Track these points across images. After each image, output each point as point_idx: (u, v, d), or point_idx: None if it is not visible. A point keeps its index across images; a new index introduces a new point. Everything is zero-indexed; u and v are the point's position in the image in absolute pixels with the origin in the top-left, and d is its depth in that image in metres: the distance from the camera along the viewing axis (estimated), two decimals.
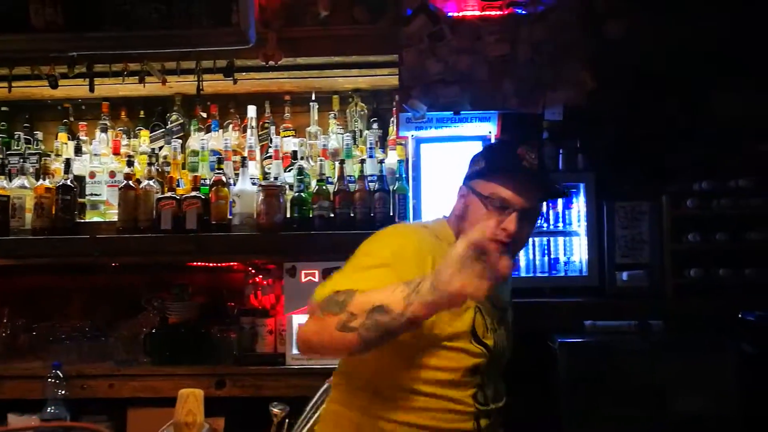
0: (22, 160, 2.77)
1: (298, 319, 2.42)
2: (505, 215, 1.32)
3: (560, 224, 2.83)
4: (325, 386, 1.16)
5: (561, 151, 2.80)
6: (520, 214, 1.32)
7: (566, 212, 2.83)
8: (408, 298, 1.05)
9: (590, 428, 2.35)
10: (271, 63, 2.58)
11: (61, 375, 2.35)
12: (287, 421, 0.97)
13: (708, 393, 2.31)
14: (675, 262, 2.63)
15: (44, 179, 2.61)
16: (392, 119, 2.85)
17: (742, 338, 2.40)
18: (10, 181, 2.71)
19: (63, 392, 2.33)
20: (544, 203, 1.81)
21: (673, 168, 2.72)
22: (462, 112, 2.65)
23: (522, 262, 2.80)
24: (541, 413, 2.63)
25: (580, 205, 2.79)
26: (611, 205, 2.71)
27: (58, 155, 2.81)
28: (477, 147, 2.67)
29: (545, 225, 2.81)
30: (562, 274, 2.81)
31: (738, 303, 2.51)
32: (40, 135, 2.95)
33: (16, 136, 2.93)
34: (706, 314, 2.55)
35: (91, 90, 2.66)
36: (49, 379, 2.33)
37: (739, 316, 2.47)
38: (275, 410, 1.00)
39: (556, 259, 2.82)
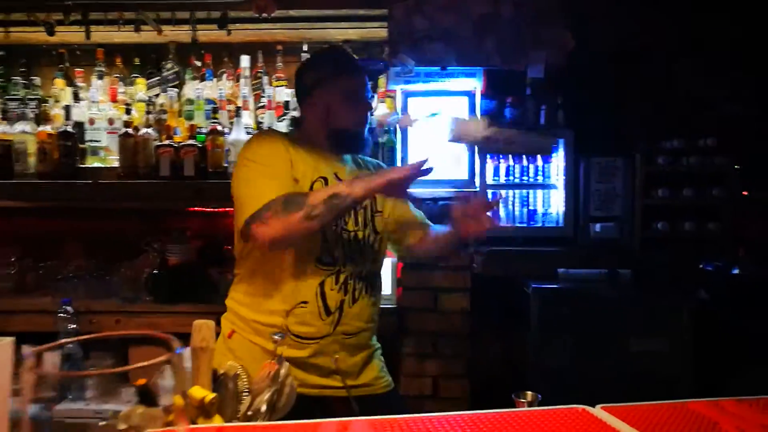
0: (22, 106, 2.84)
1: None
2: (358, 101, 1.72)
3: (540, 177, 2.98)
4: None
5: (543, 108, 2.91)
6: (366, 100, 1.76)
7: (546, 166, 2.98)
8: (350, 186, 1.48)
9: (557, 366, 2.57)
10: (264, 15, 2.65)
11: (70, 310, 2.52)
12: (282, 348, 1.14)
13: (666, 335, 2.54)
14: (645, 216, 2.81)
15: (45, 125, 2.70)
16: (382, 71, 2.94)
17: (700, 286, 2.61)
18: (12, 126, 2.79)
19: (74, 326, 2.51)
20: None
21: (647, 126, 2.86)
22: (448, 68, 2.75)
23: (502, 213, 2.97)
24: (515, 353, 2.87)
25: (559, 159, 2.93)
26: (588, 160, 2.86)
27: (56, 101, 2.88)
28: (463, 102, 2.81)
29: (525, 178, 2.96)
30: (540, 224, 2.98)
31: (700, 254, 2.71)
32: (37, 80, 2.99)
33: (13, 81, 2.99)
34: (670, 264, 2.75)
35: (87, 38, 2.72)
36: (60, 314, 2.50)
37: (700, 266, 2.67)
38: (276, 337, 1.17)
39: (534, 211, 2.99)
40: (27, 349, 0.55)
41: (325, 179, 1.66)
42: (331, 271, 1.62)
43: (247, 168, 1.62)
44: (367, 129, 1.80)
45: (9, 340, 0.76)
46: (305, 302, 1.59)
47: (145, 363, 0.49)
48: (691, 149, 2.78)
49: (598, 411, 0.93)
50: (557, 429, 0.86)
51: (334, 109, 1.70)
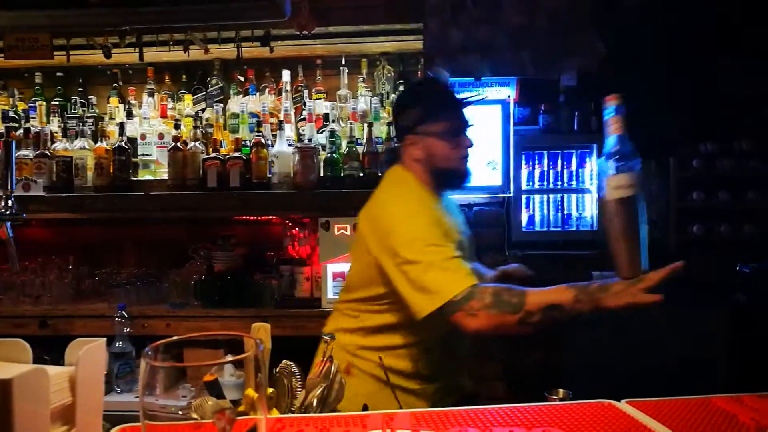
0: (81, 124, 3.04)
1: (333, 268, 2.71)
2: (461, 137, 1.67)
3: (573, 182, 3.03)
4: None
5: (576, 114, 2.97)
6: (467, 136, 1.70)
7: (580, 171, 3.03)
8: (577, 297, 1.43)
9: (591, 369, 2.61)
10: (305, 32, 2.78)
11: (125, 315, 2.69)
12: (332, 348, 1.24)
13: (702, 337, 2.56)
14: (679, 219, 2.83)
15: (102, 141, 2.88)
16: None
17: (737, 289, 2.62)
18: (71, 142, 2.99)
19: (128, 329, 2.67)
20: None
21: (681, 131, 2.88)
22: (482, 78, 2.83)
23: (537, 218, 3.03)
24: (550, 355, 2.92)
25: (592, 164, 2.98)
26: None
27: (111, 118, 3.07)
28: (497, 110, 2.88)
29: (559, 183, 3.02)
30: (574, 228, 3.03)
31: (736, 257, 2.72)
32: (94, 99, 3.19)
33: (72, 101, 3.19)
34: (706, 267, 2.76)
35: (141, 59, 2.89)
36: (117, 318, 2.67)
37: (737, 268, 2.68)
38: (327, 338, 1.28)
39: (569, 215, 3.04)
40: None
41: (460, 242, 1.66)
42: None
43: (414, 233, 1.56)
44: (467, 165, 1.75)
45: (102, 340, 0.89)
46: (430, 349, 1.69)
47: (237, 357, 0.59)
48: (726, 152, 2.80)
49: (623, 405, 1.01)
50: (583, 421, 0.94)
51: (438, 147, 1.66)
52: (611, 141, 1.46)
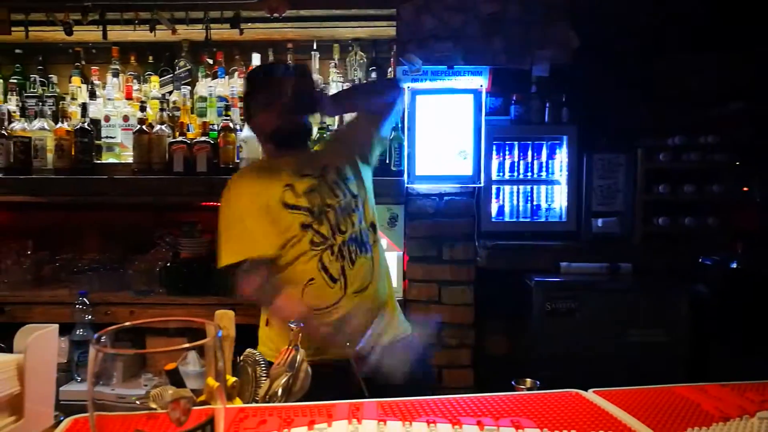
0: (40, 103, 2.92)
1: None
2: (272, 110, 1.89)
3: (543, 173, 3.05)
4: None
5: (547, 105, 2.98)
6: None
7: (550, 162, 3.04)
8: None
9: (559, 357, 2.65)
10: (276, 15, 2.72)
11: (87, 302, 2.61)
12: (300, 336, 1.21)
13: (664, 326, 2.61)
14: (645, 211, 2.87)
15: (63, 122, 2.78)
16: (390, 69, 3.01)
17: (699, 280, 2.68)
18: (30, 123, 2.88)
19: (90, 317, 2.60)
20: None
21: (649, 124, 2.92)
22: (455, 67, 2.81)
23: (506, 208, 3.04)
24: (518, 344, 2.95)
25: (562, 155, 3.00)
26: (591, 156, 2.92)
27: (73, 98, 2.96)
28: (469, 99, 2.88)
29: (529, 174, 3.03)
30: (543, 219, 3.05)
31: (699, 249, 2.77)
32: (54, 78, 3.08)
33: (31, 79, 3.07)
34: (670, 259, 2.82)
35: (104, 37, 2.79)
36: (77, 306, 2.60)
37: (699, 260, 2.74)
38: (292, 326, 1.25)
39: (538, 206, 3.06)
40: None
41: (291, 185, 1.84)
42: (324, 247, 1.80)
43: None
44: (303, 121, 1.98)
45: (54, 327, 0.84)
46: (312, 279, 1.79)
47: (194, 344, 0.56)
48: (692, 146, 2.84)
49: (590, 395, 1.01)
50: (551, 410, 0.94)
51: (261, 122, 1.95)
52: None
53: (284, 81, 1.92)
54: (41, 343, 0.82)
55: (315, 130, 2.18)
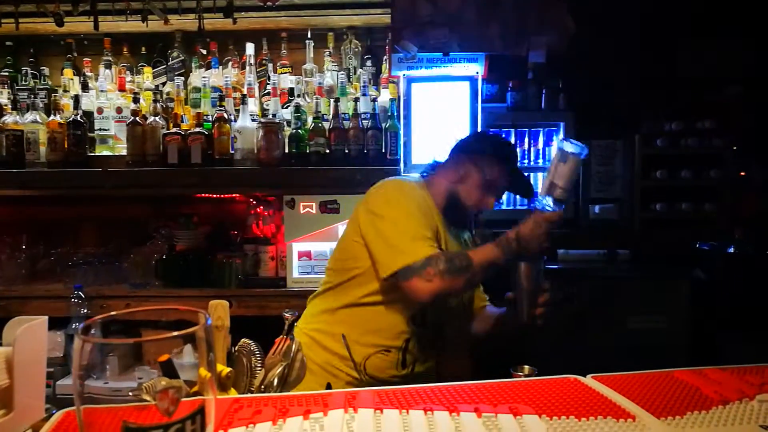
0: (32, 96, 2.89)
1: (298, 247, 2.66)
2: (490, 196, 1.76)
3: (540, 161, 3.03)
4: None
5: (544, 91, 2.96)
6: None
7: (546, 149, 3.03)
8: (504, 252, 1.54)
9: (558, 344, 2.64)
10: (269, 4, 2.69)
11: (82, 295, 2.60)
12: (295, 325, 1.20)
13: (662, 312, 2.61)
14: (643, 197, 2.86)
15: (55, 114, 2.75)
16: (385, 57, 2.98)
17: (696, 266, 2.67)
18: (22, 116, 2.85)
19: (85, 311, 2.59)
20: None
21: (646, 110, 2.90)
22: (451, 54, 2.78)
23: (504, 196, 3.02)
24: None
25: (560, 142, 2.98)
26: (588, 143, 2.89)
27: (65, 90, 2.93)
28: (465, 87, 2.85)
29: (525, 161, 3.01)
30: (541, 207, 3.03)
31: (697, 235, 2.77)
32: (46, 70, 3.04)
33: (23, 71, 3.04)
34: (668, 244, 2.81)
35: (96, 28, 2.75)
36: (73, 299, 2.58)
37: (697, 246, 2.73)
38: (287, 315, 1.24)
39: (536, 193, 3.03)
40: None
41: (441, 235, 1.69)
42: (419, 331, 1.67)
43: (394, 220, 1.62)
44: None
45: (44, 318, 0.83)
46: (387, 350, 1.65)
47: (183, 332, 0.55)
48: (690, 131, 2.82)
49: (588, 380, 1.00)
50: (550, 396, 0.93)
51: (469, 185, 1.73)
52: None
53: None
54: (30, 335, 0.80)
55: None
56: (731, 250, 2.63)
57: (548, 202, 1.61)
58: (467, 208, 1.75)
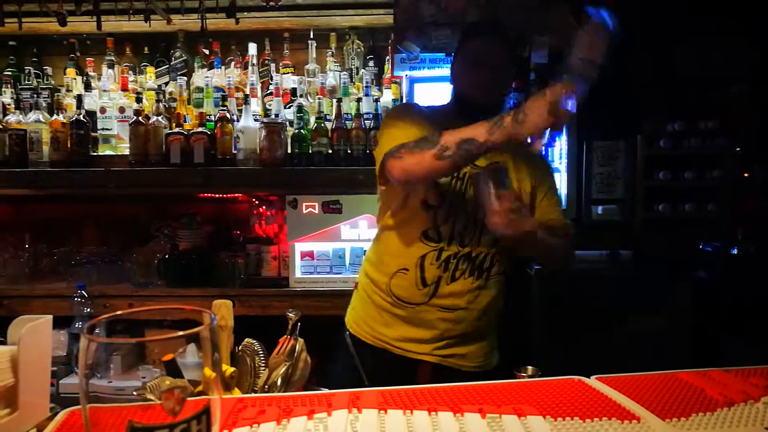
0: (35, 95, 2.89)
1: (301, 247, 2.66)
2: (477, 70, 1.66)
3: None
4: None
5: None
6: (494, 66, 1.66)
7: (549, 150, 3.02)
8: (490, 131, 1.39)
9: (560, 345, 2.64)
10: (272, 4, 2.69)
11: (85, 294, 2.60)
12: (299, 324, 1.20)
13: (665, 312, 2.60)
14: (646, 198, 2.86)
15: (58, 114, 2.76)
16: (387, 57, 2.98)
17: (700, 266, 2.67)
18: (25, 115, 2.85)
19: (89, 310, 2.59)
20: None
21: (649, 110, 2.89)
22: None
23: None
24: (518, 333, 2.94)
25: (562, 143, 2.98)
26: (590, 144, 2.91)
27: (68, 90, 2.94)
28: None
29: None
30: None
31: (699, 235, 2.76)
32: (49, 70, 3.04)
33: (26, 71, 3.04)
34: (671, 245, 2.81)
35: (99, 28, 2.76)
36: (76, 298, 2.59)
37: (700, 247, 2.73)
38: (291, 314, 1.24)
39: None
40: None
41: None
42: (434, 248, 1.66)
43: (386, 124, 1.74)
44: (501, 102, 1.72)
45: (48, 318, 0.83)
46: (406, 269, 1.68)
47: (188, 332, 0.55)
48: (693, 131, 2.82)
49: (592, 381, 1.00)
50: (554, 397, 0.93)
51: (459, 76, 1.73)
52: None
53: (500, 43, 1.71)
54: (35, 334, 0.80)
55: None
56: (734, 251, 2.63)
57: (566, 77, 1.44)
58: (472, 97, 1.69)
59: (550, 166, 1.98)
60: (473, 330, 1.73)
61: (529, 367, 1.31)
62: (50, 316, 0.84)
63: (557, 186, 1.90)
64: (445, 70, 2.85)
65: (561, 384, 0.99)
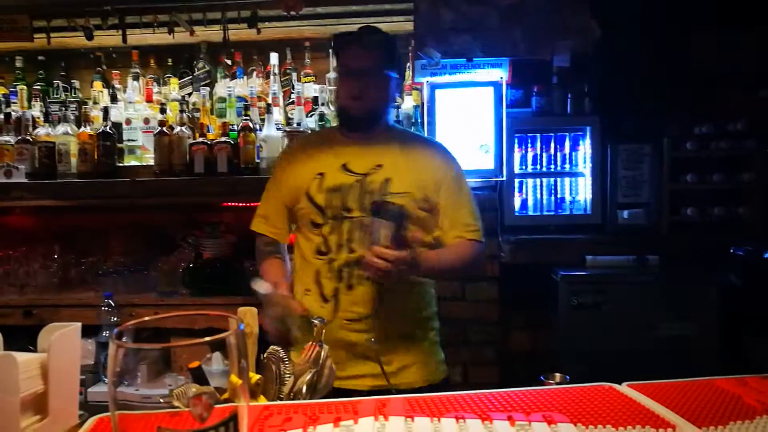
0: (63, 108, 2.95)
1: None
2: (347, 83, 1.70)
3: (567, 166, 3.00)
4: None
5: (569, 96, 2.92)
6: (362, 74, 1.67)
7: (573, 154, 2.99)
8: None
9: (587, 352, 2.60)
10: (293, 13, 2.71)
11: (112, 303, 2.63)
12: (323, 331, 1.20)
13: (694, 318, 2.54)
14: (673, 201, 2.81)
15: (85, 126, 2.81)
16: (408, 64, 2.98)
17: (731, 271, 2.60)
18: (54, 128, 2.91)
19: (115, 319, 2.62)
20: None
21: (674, 112, 2.84)
22: (474, 59, 2.77)
23: (530, 201, 3.00)
24: (545, 340, 2.90)
25: (586, 147, 2.94)
26: (615, 147, 2.87)
27: (95, 103, 2.99)
28: (489, 92, 2.83)
29: (552, 166, 2.98)
30: (568, 212, 3.00)
31: (729, 239, 2.70)
32: (77, 83, 3.11)
33: (54, 85, 3.11)
34: (699, 249, 2.75)
35: (124, 41, 2.81)
36: (103, 308, 2.62)
37: (730, 251, 2.66)
38: (315, 321, 1.24)
39: (562, 199, 3.00)
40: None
41: (322, 174, 1.71)
42: (324, 260, 1.68)
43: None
44: (378, 113, 1.73)
45: (77, 325, 0.84)
46: (308, 289, 1.71)
47: (215, 337, 0.55)
48: (721, 134, 2.76)
49: (624, 388, 0.97)
50: (584, 404, 0.91)
51: (338, 89, 1.79)
52: None
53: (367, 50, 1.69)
54: (64, 341, 0.81)
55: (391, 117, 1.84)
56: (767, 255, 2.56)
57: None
58: (347, 108, 1.73)
59: (451, 161, 1.81)
60: (397, 338, 1.67)
61: (557, 374, 1.29)
62: (79, 324, 0.85)
63: (469, 189, 1.85)
64: (467, 76, 2.85)
65: (591, 391, 0.97)
